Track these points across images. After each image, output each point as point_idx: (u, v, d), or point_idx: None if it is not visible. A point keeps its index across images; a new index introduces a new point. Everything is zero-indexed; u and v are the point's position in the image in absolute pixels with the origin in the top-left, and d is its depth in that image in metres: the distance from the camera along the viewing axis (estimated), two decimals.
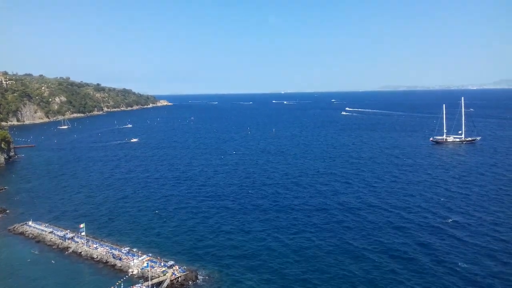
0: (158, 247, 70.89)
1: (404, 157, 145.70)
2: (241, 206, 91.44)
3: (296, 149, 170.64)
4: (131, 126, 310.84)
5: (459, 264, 59.03)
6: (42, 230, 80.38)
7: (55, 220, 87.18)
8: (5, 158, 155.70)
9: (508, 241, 66.33)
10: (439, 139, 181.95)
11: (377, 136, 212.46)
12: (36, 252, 71.36)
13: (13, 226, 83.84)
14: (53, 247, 73.64)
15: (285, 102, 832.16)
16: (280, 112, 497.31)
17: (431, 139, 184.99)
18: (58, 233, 78.34)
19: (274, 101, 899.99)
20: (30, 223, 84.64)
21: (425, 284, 53.76)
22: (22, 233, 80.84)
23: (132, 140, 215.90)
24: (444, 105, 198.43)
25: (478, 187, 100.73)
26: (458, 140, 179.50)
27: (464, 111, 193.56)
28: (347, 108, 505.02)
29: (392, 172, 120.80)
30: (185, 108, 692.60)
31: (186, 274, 59.98)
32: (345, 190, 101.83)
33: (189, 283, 58.58)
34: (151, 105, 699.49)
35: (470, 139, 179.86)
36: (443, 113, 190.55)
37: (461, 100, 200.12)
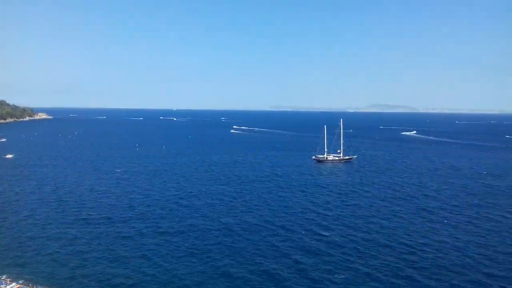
0: (30, 272, 63.20)
1: (286, 174, 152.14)
2: (120, 229, 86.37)
3: (183, 169, 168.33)
4: (4, 140, 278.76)
5: (335, 276, 62.63)
6: None
7: None
8: None
9: (376, 257, 72.41)
10: (321, 157, 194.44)
11: (262, 154, 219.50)
12: None
13: None
14: None
15: (174, 119, 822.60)
16: (171, 128, 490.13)
17: (313, 157, 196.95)
18: None
19: (161, 117, 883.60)
20: None
21: None
22: None
23: (7, 156, 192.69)
24: (325, 126, 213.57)
25: (353, 200, 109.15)
26: (337, 158, 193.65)
27: (343, 132, 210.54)
28: (235, 126, 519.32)
29: (272, 189, 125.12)
30: (68, 122, 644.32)
31: None
32: (221, 210, 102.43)
33: None
34: (27, 118, 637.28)
35: (347, 157, 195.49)
36: (324, 133, 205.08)
37: (340, 121, 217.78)
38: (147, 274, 62.91)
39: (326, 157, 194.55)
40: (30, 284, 58.47)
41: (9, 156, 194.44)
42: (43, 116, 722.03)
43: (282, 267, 65.51)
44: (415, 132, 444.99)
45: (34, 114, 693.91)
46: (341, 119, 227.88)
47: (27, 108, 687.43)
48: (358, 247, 74.48)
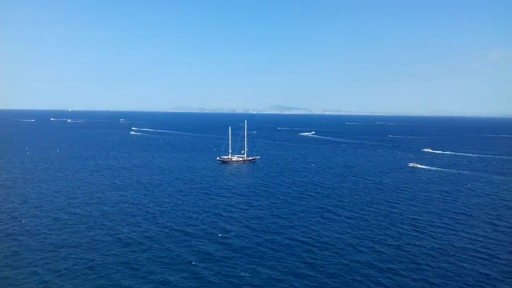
0: None
1: (188, 177, 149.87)
2: None
3: (77, 174, 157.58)
4: None
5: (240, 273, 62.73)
6: None
7: None
8: None
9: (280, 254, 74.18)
10: (225, 158, 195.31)
11: (165, 156, 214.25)
12: None
13: None
14: None
15: (68, 120, 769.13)
16: (67, 130, 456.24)
17: (217, 158, 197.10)
18: None
19: (52, 119, 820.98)
20: None
21: None
22: None
23: None
24: (230, 127, 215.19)
25: (255, 201, 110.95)
26: (241, 159, 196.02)
27: (247, 133, 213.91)
28: (133, 128, 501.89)
29: (172, 193, 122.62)
30: None
31: None
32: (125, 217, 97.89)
33: None
34: None
35: (251, 158, 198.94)
36: (229, 134, 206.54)
37: (244, 122, 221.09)
38: None
39: (231, 158, 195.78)
40: None
41: None
42: None
43: (179, 273, 63.74)
44: (313, 133, 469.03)
45: None
46: (245, 120, 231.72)
47: None
48: (260, 248, 75.52)
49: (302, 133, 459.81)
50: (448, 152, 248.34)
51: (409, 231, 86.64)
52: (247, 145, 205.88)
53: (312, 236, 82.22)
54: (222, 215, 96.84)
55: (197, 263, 67.63)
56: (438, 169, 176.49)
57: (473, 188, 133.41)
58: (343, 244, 78.02)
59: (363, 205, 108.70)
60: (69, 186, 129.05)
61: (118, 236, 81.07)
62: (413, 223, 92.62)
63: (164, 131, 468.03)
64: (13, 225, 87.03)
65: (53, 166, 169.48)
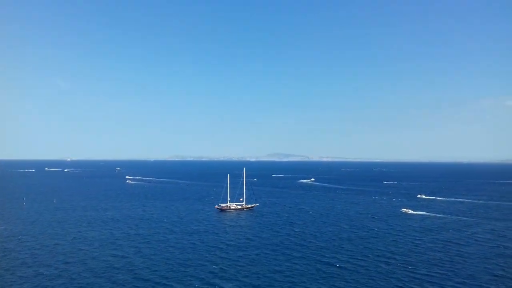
0: None
1: (185, 226, 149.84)
2: None
3: (77, 227, 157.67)
4: None
5: None
6: None
7: None
8: None
9: None
10: (224, 206, 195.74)
11: (161, 205, 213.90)
12: None
13: None
14: None
15: (65, 170, 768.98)
16: (65, 180, 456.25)
17: (216, 206, 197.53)
18: None
19: (46, 169, 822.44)
20: None
21: None
22: None
23: None
24: (228, 174, 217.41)
25: (253, 250, 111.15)
26: (239, 207, 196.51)
27: (246, 180, 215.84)
28: (127, 176, 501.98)
29: (169, 242, 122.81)
30: None
31: None
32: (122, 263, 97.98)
33: None
34: None
35: (249, 205, 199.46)
36: (227, 182, 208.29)
37: (243, 170, 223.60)
38: None
39: (229, 206, 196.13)
40: None
41: None
42: None
43: None
44: (313, 179, 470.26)
45: None
46: (244, 168, 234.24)
47: None
48: None
49: (301, 180, 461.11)
50: (441, 198, 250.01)
51: (403, 277, 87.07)
52: (245, 192, 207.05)
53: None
54: (219, 269, 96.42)
55: None
56: (430, 214, 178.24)
57: (460, 232, 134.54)
58: None
59: (359, 253, 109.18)
60: (66, 239, 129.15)
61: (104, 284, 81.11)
62: (405, 267, 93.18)
63: (160, 179, 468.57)
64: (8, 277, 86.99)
65: (48, 219, 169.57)
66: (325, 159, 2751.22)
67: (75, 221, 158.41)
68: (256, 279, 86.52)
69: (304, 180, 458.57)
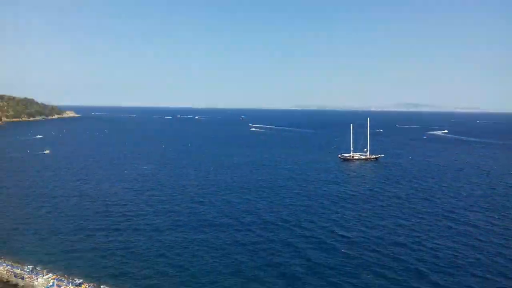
0: (64, 265, 65.22)
1: (309, 173, 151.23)
2: (157, 226, 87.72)
3: (211, 165, 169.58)
4: (41, 136, 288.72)
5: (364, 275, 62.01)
6: None
7: None
8: None
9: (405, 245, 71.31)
10: (347, 156, 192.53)
11: (282, 152, 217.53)
12: None
13: None
14: None
15: (196, 117, 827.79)
16: (195, 127, 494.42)
17: (339, 155, 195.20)
18: None
19: (178, 116, 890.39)
20: None
21: None
22: None
23: (45, 152, 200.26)
24: (351, 124, 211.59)
25: (380, 201, 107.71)
26: (363, 157, 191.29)
27: (370, 131, 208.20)
28: (251, 124, 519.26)
29: (300, 188, 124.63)
30: (96, 120, 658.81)
31: None
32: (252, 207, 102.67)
33: None
34: (56, 116, 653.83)
35: (374, 156, 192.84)
36: (350, 132, 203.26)
37: (367, 120, 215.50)
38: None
39: (353, 156, 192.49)
40: (66, 275, 60.38)
41: (47, 151, 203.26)
42: (70, 114, 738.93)
43: (319, 267, 65.36)
44: (446, 131, 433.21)
45: (62, 112, 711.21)
46: (368, 118, 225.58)
47: (55, 106, 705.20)
48: (373, 246, 73.59)
49: (431, 132, 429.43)
50: None
51: None
52: (369, 143, 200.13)
53: (430, 239, 77.32)
54: (341, 217, 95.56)
55: (310, 255, 68.70)
56: None
57: None
58: (466, 248, 71.90)
59: (490, 210, 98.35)
60: (193, 182, 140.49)
61: (240, 227, 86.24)
62: None
63: (283, 128, 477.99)
64: (148, 209, 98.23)
65: (182, 160, 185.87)
66: (459, 110, 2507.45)
67: (205, 165, 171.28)
68: (379, 230, 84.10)
69: (435, 132, 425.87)
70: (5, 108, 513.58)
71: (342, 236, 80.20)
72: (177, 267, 65.23)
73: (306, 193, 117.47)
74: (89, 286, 57.37)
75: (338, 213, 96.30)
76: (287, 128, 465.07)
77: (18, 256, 69.03)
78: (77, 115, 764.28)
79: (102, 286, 57.92)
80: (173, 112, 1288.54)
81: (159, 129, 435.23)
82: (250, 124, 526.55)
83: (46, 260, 67.12)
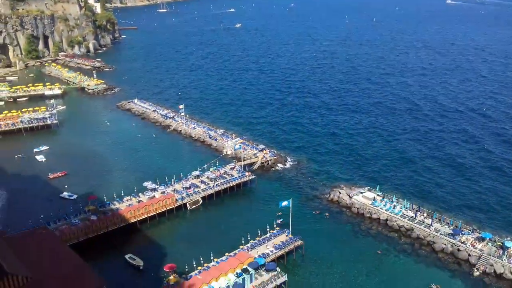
0: (250, 131, 74.14)
1: None
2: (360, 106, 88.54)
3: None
4: (233, 10, 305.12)
5: None
6: (146, 108, 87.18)
7: (158, 99, 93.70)
8: (111, 39, 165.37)
9: None
10: None
11: (497, 32, 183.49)
12: (140, 127, 78.64)
13: (121, 103, 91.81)
14: (156, 124, 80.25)
15: None
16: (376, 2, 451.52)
17: None
18: (161, 111, 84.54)
19: None
20: (135, 101, 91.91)
21: None
22: (129, 110, 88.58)
23: (236, 26, 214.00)
24: None
25: None
26: None
27: None
28: None
29: None
30: None
31: (276, 158, 62.71)
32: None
33: (278, 166, 61.36)
34: None
35: None
36: None
37: None
38: None
39: None
40: (251, 141, 68.89)
41: (238, 25, 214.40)
42: None
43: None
44: None
45: None
46: None
47: None
48: None
49: None
50: None
51: None
52: None
53: None
54: None
55: None
56: None
57: None
58: None
59: None
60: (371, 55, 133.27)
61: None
62: None
63: (497, 1, 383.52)
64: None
65: (367, 32, 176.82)
66: None
67: (386, 43, 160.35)
68: None
69: None
70: None
71: None
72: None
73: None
74: (270, 151, 64.25)
75: None
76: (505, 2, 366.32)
77: (212, 120, 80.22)
78: None
79: (279, 152, 64.64)
80: None
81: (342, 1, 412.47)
82: None
83: (234, 126, 76.97)
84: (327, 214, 48.92)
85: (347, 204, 50.52)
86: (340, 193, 52.46)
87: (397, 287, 37.60)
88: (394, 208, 48.38)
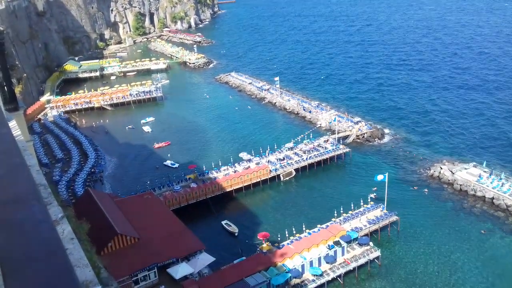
0: (346, 104, 72.24)
1: None
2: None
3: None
4: None
5: None
6: (243, 81, 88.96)
7: (253, 72, 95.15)
8: (210, 14, 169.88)
9: None
10: None
11: None
12: (237, 99, 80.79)
13: (219, 76, 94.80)
14: (252, 96, 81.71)
15: None
16: None
17: None
18: (256, 84, 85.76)
19: None
20: (233, 74, 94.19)
21: None
22: (226, 82, 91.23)
23: None
24: None
25: None
26: None
27: None
28: None
29: None
30: None
31: (372, 131, 60.36)
32: None
33: (374, 140, 59.08)
34: None
35: None
36: None
37: None
38: None
39: None
40: (346, 113, 67.01)
41: None
42: None
43: None
44: None
45: None
46: None
47: None
48: None
49: None
50: None
51: None
52: None
53: None
54: None
55: None
56: None
57: None
58: None
59: None
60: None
61: None
62: None
63: None
64: None
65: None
66: None
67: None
68: None
69: None
70: None
71: None
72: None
73: None
74: (366, 124, 61.89)
75: None
76: None
77: (306, 92, 79.40)
78: None
79: (376, 125, 61.96)
80: None
81: None
82: None
83: (329, 99, 75.47)
84: (426, 190, 46.31)
85: (448, 180, 47.27)
86: (441, 168, 49.14)
87: (503, 271, 34.76)
88: (502, 186, 44.19)
